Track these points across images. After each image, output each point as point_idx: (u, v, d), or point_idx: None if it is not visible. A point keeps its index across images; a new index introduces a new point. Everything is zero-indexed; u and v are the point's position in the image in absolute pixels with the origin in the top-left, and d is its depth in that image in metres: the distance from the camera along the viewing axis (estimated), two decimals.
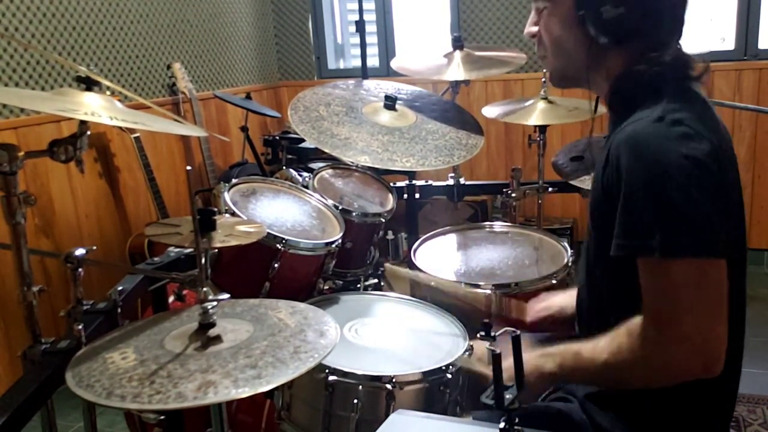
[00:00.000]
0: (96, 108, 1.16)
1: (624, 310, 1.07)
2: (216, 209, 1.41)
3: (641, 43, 1.11)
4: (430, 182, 2.55)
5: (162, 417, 1.62)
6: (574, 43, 1.16)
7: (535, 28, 1.22)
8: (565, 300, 1.46)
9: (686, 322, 0.98)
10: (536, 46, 1.24)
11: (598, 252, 1.13)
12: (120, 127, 3.02)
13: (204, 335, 1.02)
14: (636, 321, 1.03)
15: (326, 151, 1.86)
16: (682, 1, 1.12)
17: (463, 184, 2.51)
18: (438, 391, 1.33)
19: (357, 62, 4.50)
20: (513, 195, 2.34)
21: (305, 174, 2.45)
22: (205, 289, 1.04)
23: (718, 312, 0.99)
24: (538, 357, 1.17)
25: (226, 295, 1.09)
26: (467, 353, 1.38)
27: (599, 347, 1.08)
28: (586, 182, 2.13)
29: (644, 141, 1.02)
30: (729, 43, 3.67)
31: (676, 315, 0.98)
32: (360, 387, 1.29)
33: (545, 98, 2.37)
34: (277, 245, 1.63)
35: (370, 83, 2.27)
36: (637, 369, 1.04)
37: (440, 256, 1.95)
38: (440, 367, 1.33)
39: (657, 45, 1.10)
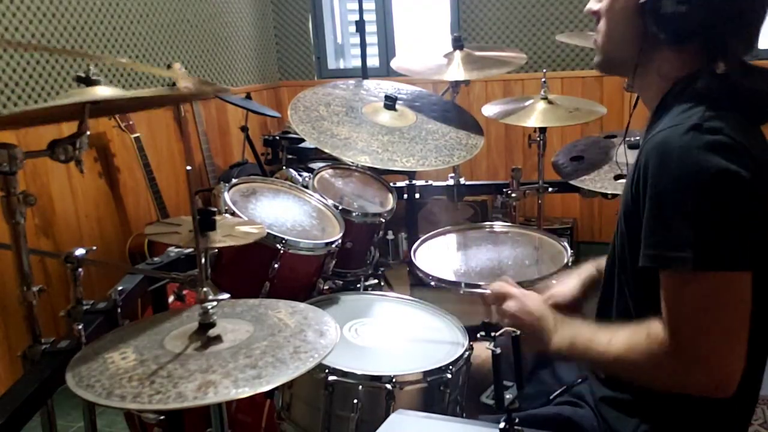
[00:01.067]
0: (99, 95, 1.16)
1: (648, 316, 1.05)
2: (216, 209, 1.41)
3: (700, 47, 1.05)
4: (430, 182, 2.55)
5: (162, 417, 1.62)
6: (630, 32, 1.11)
7: (597, 6, 1.17)
8: (564, 290, 1.45)
9: (704, 344, 0.96)
10: (595, 24, 1.19)
11: (625, 256, 1.11)
12: (120, 127, 3.02)
13: (204, 335, 1.02)
14: (657, 326, 1.01)
15: (326, 151, 1.86)
16: (756, 7, 1.05)
17: (463, 184, 2.51)
18: (438, 391, 1.33)
19: (357, 62, 4.50)
20: (513, 195, 2.34)
21: (305, 174, 2.45)
22: (205, 289, 1.04)
23: (738, 331, 0.96)
24: (554, 319, 1.17)
25: (226, 295, 1.09)
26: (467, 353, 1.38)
27: (616, 340, 1.06)
28: (586, 182, 2.13)
29: (676, 150, 0.97)
30: None
31: (695, 335, 0.96)
32: (360, 387, 1.30)
33: (545, 98, 2.37)
34: (277, 245, 1.63)
35: (370, 83, 2.27)
36: (646, 372, 1.03)
37: (440, 256, 1.95)
38: (440, 367, 1.33)
39: (718, 54, 1.04)
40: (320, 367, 1.29)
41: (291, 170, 2.81)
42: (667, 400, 1.09)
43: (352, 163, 2.06)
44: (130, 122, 3.05)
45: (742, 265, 0.95)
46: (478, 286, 1.70)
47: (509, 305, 1.25)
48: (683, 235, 0.95)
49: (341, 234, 1.78)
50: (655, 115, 1.13)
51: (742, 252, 0.95)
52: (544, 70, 2.48)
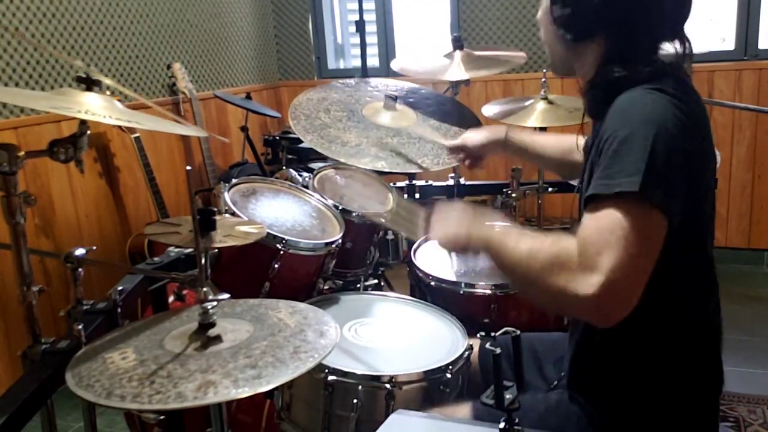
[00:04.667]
0: (94, 107, 1.16)
1: None
2: (216, 209, 1.41)
3: (608, 41, 1.12)
4: (430, 182, 2.55)
5: (162, 417, 1.62)
6: (553, 37, 1.20)
7: (539, 15, 1.26)
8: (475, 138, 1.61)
9: (610, 261, 0.95)
10: None
11: None
12: (120, 127, 3.02)
13: (204, 335, 1.02)
14: (568, 237, 1.03)
15: (341, 160, 1.84)
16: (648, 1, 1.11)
17: (463, 184, 2.51)
18: (438, 390, 1.33)
19: (357, 62, 4.50)
20: (513, 195, 2.34)
21: (305, 174, 2.45)
22: (205, 289, 1.05)
23: (645, 267, 0.97)
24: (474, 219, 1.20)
25: (226, 295, 1.09)
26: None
27: (526, 239, 1.07)
28: None
29: (634, 101, 1.04)
30: (729, 43, 3.67)
31: (603, 250, 0.96)
32: (360, 387, 1.30)
33: (545, 98, 2.37)
34: (277, 245, 1.63)
35: (363, 83, 2.26)
36: (544, 273, 1.02)
37: (440, 256, 1.95)
38: (440, 367, 1.33)
39: (626, 44, 1.10)
40: (320, 367, 1.29)
41: (291, 170, 2.81)
42: (629, 378, 1.11)
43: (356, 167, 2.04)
44: None
45: (667, 209, 0.98)
46: (478, 286, 1.71)
47: (433, 218, 1.28)
48: (637, 165, 0.97)
49: (341, 234, 1.78)
50: (590, 110, 1.19)
51: (670, 195, 0.98)
52: (544, 70, 2.48)
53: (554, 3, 1.15)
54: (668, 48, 1.14)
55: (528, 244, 1.07)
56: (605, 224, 0.98)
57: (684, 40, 1.14)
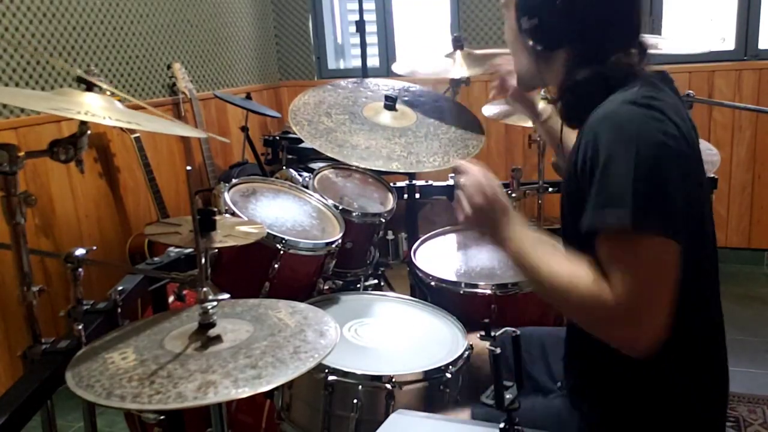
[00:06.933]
0: (94, 108, 1.16)
1: None
2: (216, 209, 1.41)
3: (575, 47, 1.15)
4: (430, 182, 2.54)
5: (162, 417, 1.62)
6: (522, 49, 1.22)
7: (506, 32, 1.28)
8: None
9: (643, 302, 0.97)
10: None
11: (573, 234, 1.13)
12: (120, 128, 3.02)
13: (204, 335, 1.02)
14: (602, 282, 1.01)
15: (355, 164, 1.84)
16: (615, 8, 1.13)
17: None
18: (438, 390, 1.33)
19: (357, 62, 4.51)
20: (513, 195, 2.34)
21: (305, 174, 2.45)
22: (205, 289, 1.05)
23: (668, 295, 0.98)
24: (509, 212, 1.19)
25: (226, 295, 1.09)
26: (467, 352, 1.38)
27: (564, 266, 1.06)
28: None
29: (624, 118, 1.02)
30: (729, 43, 3.67)
31: (637, 291, 0.97)
32: (360, 387, 1.30)
33: (545, 98, 2.36)
34: (277, 245, 1.63)
35: (355, 82, 2.26)
36: (578, 307, 1.04)
37: (440, 256, 1.95)
38: (440, 367, 1.33)
39: (592, 49, 1.13)
40: (320, 367, 1.29)
41: (291, 170, 2.81)
42: (633, 388, 1.11)
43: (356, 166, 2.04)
44: None
45: (676, 234, 0.97)
46: (478, 286, 1.71)
47: (466, 180, 1.26)
48: (626, 195, 0.97)
49: (341, 234, 1.78)
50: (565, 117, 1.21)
51: (678, 222, 0.98)
52: None
53: (522, 15, 1.17)
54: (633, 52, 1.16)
55: (565, 272, 1.05)
56: (621, 260, 0.98)
57: (642, 44, 1.17)
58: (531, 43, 1.18)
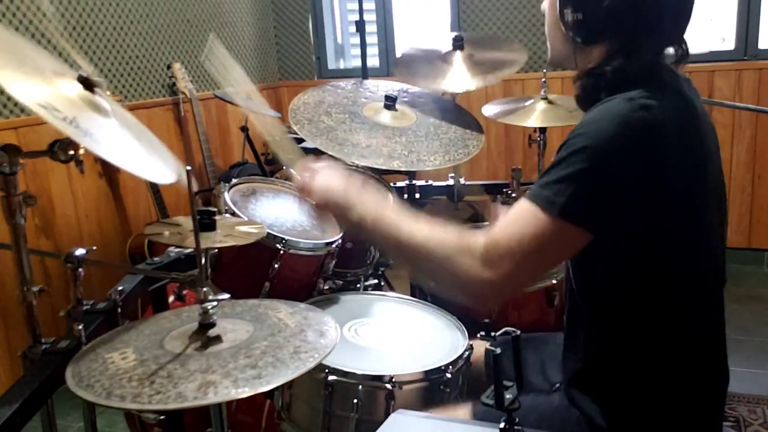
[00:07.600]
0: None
1: (589, 294, 1.12)
2: (216, 209, 1.41)
3: (613, 44, 1.14)
4: (430, 182, 2.54)
5: (162, 417, 1.62)
6: (559, 35, 1.22)
7: (544, 7, 1.27)
8: None
9: (511, 263, 1.01)
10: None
11: None
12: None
13: (204, 335, 1.02)
14: (474, 233, 1.08)
15: (356, 163, 1.83)
16: (661, 10, 1.13)
17: (463, 184, 2.51)
18: (438, 390, 1.33)
19: (357, 62, 4.50)
20: (513, 195, 2.34)
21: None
22: (205, 289, 1.04)
23: (542, 271, 1.04)
24: (359, 190, 1.22)
25: (226, 295, 1.09)
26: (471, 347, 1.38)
27: (425, 226, 1.12)
28: None
29: (602, 110, 1.05)
30: (729, 43, 3.67)
31: (509, 252, 1.02)
32: (360, 387, 1.30)
33: (545, 98, 2.37)
34: (277, 245, 1.63)
35: (350, 84, 2.26)
36: (443, 257, 1.08)
37: None
38: (440, 367, 1.33)
39: (630, 47, 1.12)
40: (320, 367, 1.29)
41: (291, 170, 2.80)
42: (631, 383, 1.12)
43: (351, 163, 2.04)
44: None
45: (584, 222, 1.00)
46: None
47: (312, 181, 1.29)
48: (565, 181, 1.00)
49: (341, 234, 1.78)
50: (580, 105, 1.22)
51: (593, 212, 1.00)
52: (545, 70, 2.48)
53: (565, 7, 1.16)
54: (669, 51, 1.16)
55: (427, 229, 1.11)
56: (520, 224, 1.03)
57: (682, 44, 1.17)
58: (571, 34, 1.18)
